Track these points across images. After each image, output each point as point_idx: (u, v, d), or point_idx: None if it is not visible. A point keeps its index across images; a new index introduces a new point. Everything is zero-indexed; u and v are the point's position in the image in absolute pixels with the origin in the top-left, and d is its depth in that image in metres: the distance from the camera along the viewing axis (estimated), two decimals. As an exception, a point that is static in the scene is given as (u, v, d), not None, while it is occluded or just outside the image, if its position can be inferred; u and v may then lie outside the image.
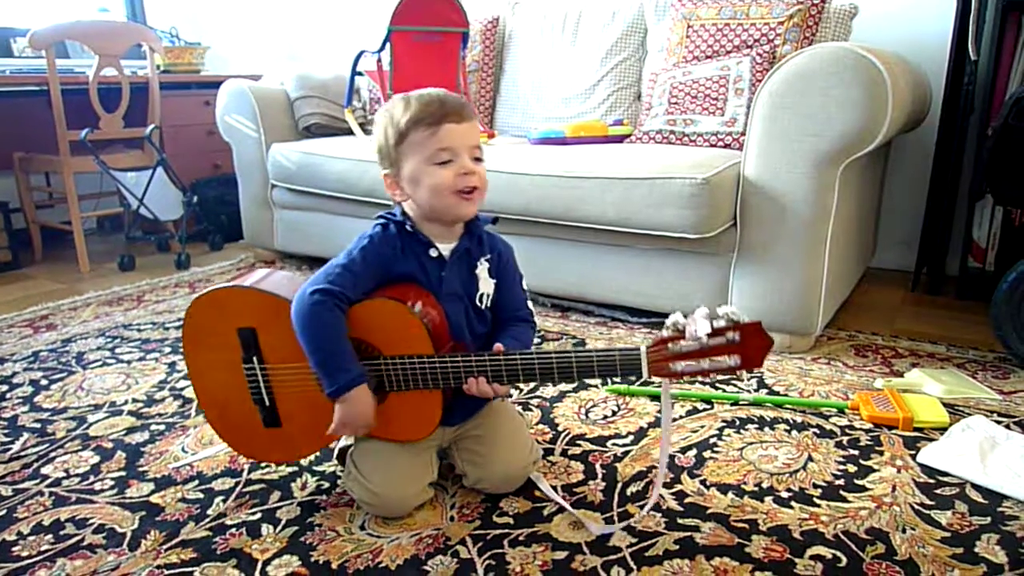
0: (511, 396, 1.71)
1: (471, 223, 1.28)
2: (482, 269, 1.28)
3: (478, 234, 1.29)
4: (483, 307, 1.29)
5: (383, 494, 1.23)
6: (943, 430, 1.50)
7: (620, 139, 2.50)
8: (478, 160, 1.22)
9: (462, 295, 1.26)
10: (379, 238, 1.23)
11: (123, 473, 1.43)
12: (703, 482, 1.34)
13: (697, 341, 1.08)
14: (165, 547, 1.19)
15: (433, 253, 1.24)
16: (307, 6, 4.06)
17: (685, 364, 1.10)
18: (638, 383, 1.75)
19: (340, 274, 1.19)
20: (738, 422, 1.57)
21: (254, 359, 1.26)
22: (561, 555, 1.15)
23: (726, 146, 2.22)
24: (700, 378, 1.11)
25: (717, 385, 1.75)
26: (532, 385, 1.77)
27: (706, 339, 1.08)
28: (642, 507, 1.26)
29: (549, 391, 1.74)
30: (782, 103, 1.79)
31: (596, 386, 1.76)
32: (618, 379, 1.76)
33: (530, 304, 1.36)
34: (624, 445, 1.49)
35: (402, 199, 1.26)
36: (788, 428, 1.54)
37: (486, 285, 1.28)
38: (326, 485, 1.37)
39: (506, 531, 1.21)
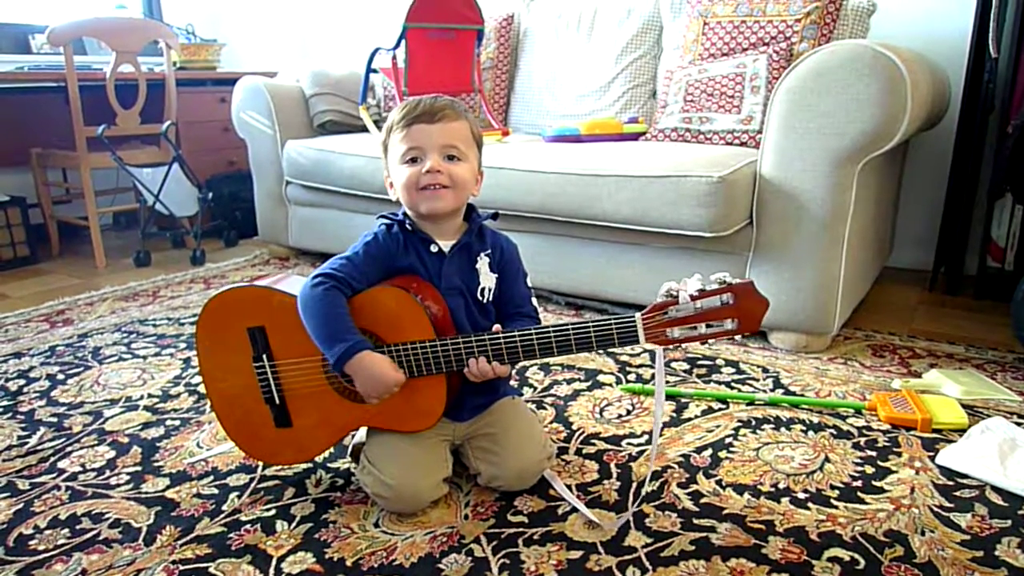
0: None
1: (470, 219, 1.31)
2: (482, 263, 1.30)
3: (477, 229, 1.31)
4: (485, 301, 1.30)
5: (397, 486, 1.23)
6: (962, 432, 1.49)
7: (635, 137, 2.49)
8: (455, 160, 1.25)
9: (463, 289, 1.28)
10: (383, 235, 1.28)
11: (139, 468, 1.43)
12: (719, 482, 1.34)
13: (691, 305, 1.09)
14: (180, 542, 1.20)
15: (433, 249, 1.27)
16: (323, 3, 4.07)
17: (681, 330, 1.12)
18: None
19: (342, 264, 1.24)
20: (754, 422, 1.56)
21: (264, 357, 1.27)
22: (576, 554, 1.14)
23: (742, 144, 2.21)
24: (699, 343, 1.12)
25: (733, 385, 1.74)
26: (546, 384, 1.76)
27: (697, 294, 1.10)
28: (658, 507, 1.25)
29: (563, 390, 1.73)
30: (800, 101, 1.78)
31: (611, 385, 1.76)
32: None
33: (534, 301, 1.36)
34: (639, 445, 1.48)
35: (397, 198, 1.31)
36: (805, 428, 1.53)
37: (487, 279, 1.30)
38: (340, 482, 1.37)
39: (521, 530, 1.21)
